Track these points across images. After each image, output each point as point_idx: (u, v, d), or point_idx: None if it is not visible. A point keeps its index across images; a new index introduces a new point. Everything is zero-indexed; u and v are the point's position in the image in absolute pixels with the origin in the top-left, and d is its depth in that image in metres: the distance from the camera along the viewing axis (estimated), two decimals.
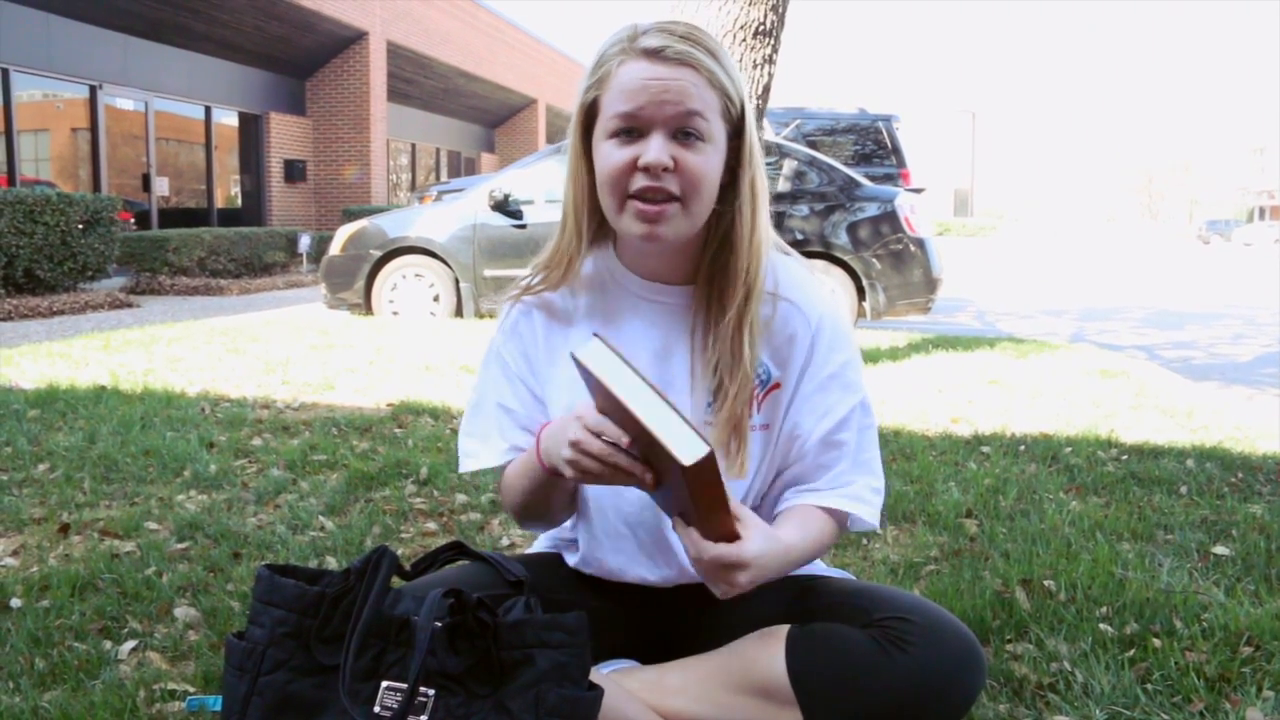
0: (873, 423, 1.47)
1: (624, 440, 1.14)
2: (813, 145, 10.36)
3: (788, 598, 1.42)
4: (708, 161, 1.32)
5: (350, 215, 14.07)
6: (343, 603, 1.17)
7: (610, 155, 1.32)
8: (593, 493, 1.46)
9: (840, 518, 1.43)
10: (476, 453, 1.48)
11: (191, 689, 1.72)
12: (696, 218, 1.34)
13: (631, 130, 1.31)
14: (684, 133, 1.30)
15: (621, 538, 1.45)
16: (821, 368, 1.42)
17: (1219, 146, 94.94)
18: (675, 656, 1.43)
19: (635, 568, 1.46)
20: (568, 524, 1.54)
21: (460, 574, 1.39)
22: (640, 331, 1.43)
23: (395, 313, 8.08)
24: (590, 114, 1.36)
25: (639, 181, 1.31)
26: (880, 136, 11.24)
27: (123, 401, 4.21)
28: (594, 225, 1.41)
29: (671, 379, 1.41)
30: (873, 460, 1.46)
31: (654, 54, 1.30)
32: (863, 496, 1.43)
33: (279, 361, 5.51)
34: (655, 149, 1.30)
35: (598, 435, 1.17)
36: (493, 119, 25.89)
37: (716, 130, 1.33)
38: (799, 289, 1.43)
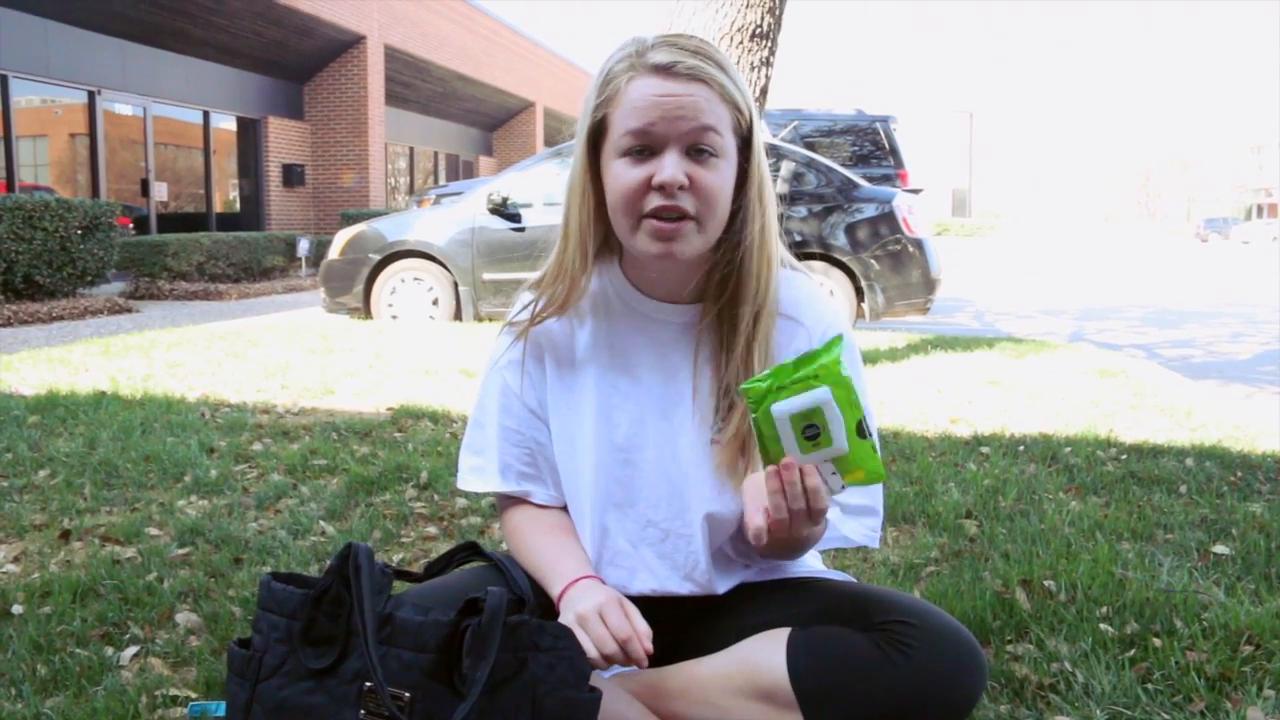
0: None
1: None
2: (810, 147, 10.37)
3: (788, 600, 1.42)
4: (722, 177, 1.32)
5: (348, 219, 14.08)
6: (324, 603, 1.16)
7: (623, 174, 1.31)
8: (594, 520, 1.46)
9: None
10: (481, 469, 1.49)
11: (193, 695, 1.73)
12: (711, 234, 1.34)
13: (644, 149, 1.30)
14: (697, 149, 1.30)
15: (624, 554, 1.44)
16: None
17: (1217, 144, 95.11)
18: (676, 660, 1.43)
19: (637, 583, 1.45)
20: None
21: (462, 581, 1.39)
22: (646, 352, 1.43)
23: (394, 316, 8.08)
24: (598, 132, 1.35)
25: (654, 200, 1.30)
26: (878, 137, 11.25)
27: (123, 407, 4.21)
28: (597, 243, 1.40)
29: (677, 398, 1.41)
30: None
31: (664, 70, 1.29)
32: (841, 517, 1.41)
33: (278, 366, 5.51)
34: (670, 167, 1.29)
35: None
36: (490, 122, 25.90)
37: (729, 145, 1.32)
38: (805, 306, 1.43)
